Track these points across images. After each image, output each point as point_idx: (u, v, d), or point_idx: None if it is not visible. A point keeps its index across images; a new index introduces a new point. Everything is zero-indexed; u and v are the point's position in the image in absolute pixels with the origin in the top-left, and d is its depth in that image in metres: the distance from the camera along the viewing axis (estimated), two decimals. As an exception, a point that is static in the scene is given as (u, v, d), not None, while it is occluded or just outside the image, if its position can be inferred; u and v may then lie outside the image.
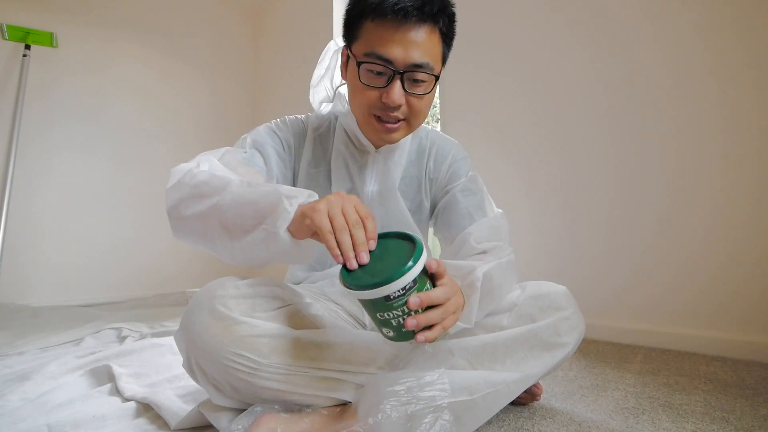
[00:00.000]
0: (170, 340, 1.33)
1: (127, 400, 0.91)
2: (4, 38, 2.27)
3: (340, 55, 0.88)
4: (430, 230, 0.94)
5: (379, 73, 0.70)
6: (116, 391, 0.96)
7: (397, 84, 0.70)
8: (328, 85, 0.91)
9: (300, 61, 2.84)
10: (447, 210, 0.86)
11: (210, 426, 0.74)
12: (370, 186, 0.84)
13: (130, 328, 1.57)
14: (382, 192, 0.84)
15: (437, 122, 2.27)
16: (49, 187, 2.39)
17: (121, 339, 1.48)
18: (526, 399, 0.89)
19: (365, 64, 0.70)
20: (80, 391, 0.98)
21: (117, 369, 1.05)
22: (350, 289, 0.53)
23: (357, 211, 0.56)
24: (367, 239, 0.56)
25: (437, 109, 2.11)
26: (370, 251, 0.56)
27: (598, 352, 1.35)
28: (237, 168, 0.71)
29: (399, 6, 0.66)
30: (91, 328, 1.59)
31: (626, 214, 1.49)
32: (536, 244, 1.69)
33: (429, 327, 0.55)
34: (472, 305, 0.65)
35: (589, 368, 1.17)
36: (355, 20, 0.72)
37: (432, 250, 0.94)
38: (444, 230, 0.86)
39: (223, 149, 0.76)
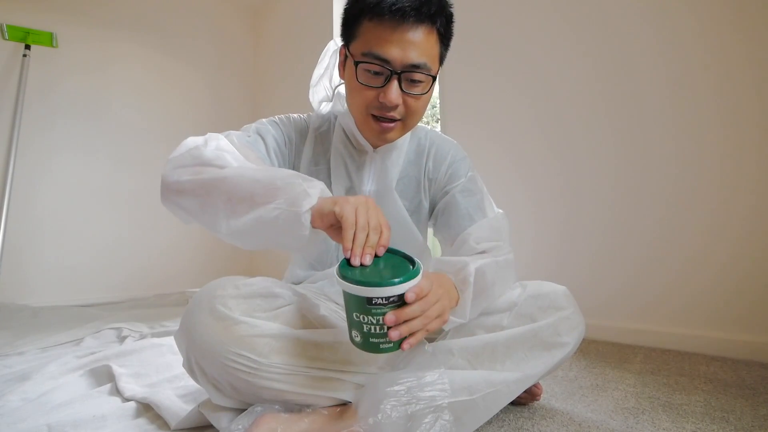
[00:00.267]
0: (170, 340, 1.33)
1: (127, 400, 0.91)
2: (4, 38, 2.27)
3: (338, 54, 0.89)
4: (430, 231, 0.94)
5: (377, 73, 0.71)
6: (116, 391, 0.96)
7: (395, 84, 0.70)
8: (327, 84, 0.91)
9: (300, 61, 2.84)
10: (446, 211, 0.86)
11: (210, 426, 0.74)
12: (368, 185, 0.84)
13: (130, 328, 1.57)
14: (379, 191, 0.84)
15: (437, 122, 2.27)
16: (49, 187, 2.39)
17: (121, 339, 1.48)
18: (526, 399, 0.89)
19: (363, 64, 0.71)
20: (80, 391, 0.98)
21: (117, 369, 1.05)
22: (341, 279, 0.55)
23: (379, 219, 0.59)
24: (379, 244, 0.58)
25: (437, 109, 2.11)
26: (376, 256, 0.58)
27: (598, 352, 1.35)
28: (240, 149, 0.72)
29: (397, 6, 0.66)
30: (91, 328, 1.59)
31: (626, 214, 1.49)
32: (536, 244, 1.69)
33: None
34: (466, 300, 0.66)
35: (589, 368, 1.17)
36: (353, 20, 0.72)
37: (432, 249, 0.94)
38: (444, 231, 0.86)
39: (229, 132, 0.76)
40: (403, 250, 0.62)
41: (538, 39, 1.72)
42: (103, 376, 1.06)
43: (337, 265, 0.57)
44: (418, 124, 0.83)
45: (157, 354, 1.23)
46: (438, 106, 2.05)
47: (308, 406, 0.68)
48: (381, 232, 0.58)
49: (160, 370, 1.10)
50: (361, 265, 0.56)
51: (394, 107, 0.72)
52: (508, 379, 0.71)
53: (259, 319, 0.65)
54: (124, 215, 2.62)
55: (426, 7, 0.68)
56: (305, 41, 2.80)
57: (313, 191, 0.60)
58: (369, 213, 0.58)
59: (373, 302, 0.53)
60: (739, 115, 1.29)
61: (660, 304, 1.41)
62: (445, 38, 0.74)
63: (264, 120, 0.84)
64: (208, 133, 0.72)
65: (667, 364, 1.20)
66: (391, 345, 0.56)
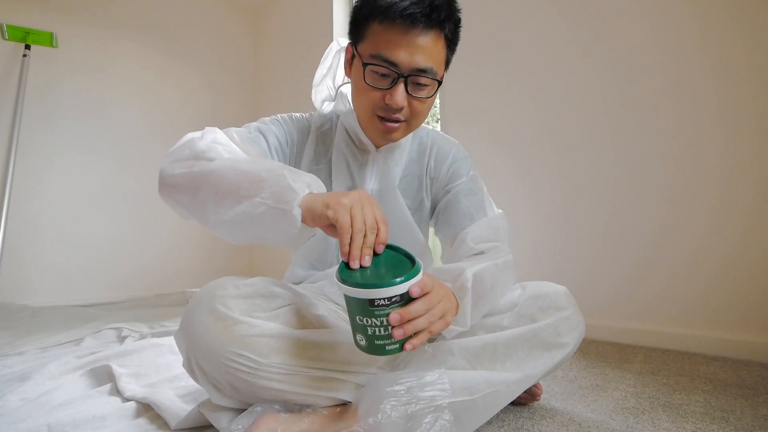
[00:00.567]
0: (170, 340, 1.33)
1: (127, 400, 0.91)
2: (4, 38, 2.27)
3: (342, 53, 0.89)
4: (431, 230, 0.94)
5: (384, 75, 0.71)
6: (116, 391, 0.96)
7: (401, 87, 0.71)
8: (330, 84, 0.91)
9: (300, 61, 2.84)
10: (447, 209, 0.86)
11: (210, 426, 0.74)
12: (370, 184, 0.84)
13: (130, 328, 1.56)
14: (381, 190, 0.84)
15: (437, 122, 2.27)
16: (49, 187, 2.39)
17: (121, 339, 1.48)
18: (526, 399, 0.89)
19: (371, 66, 0.71)
20: (80, 391, 0.98)
21: (117, 369, 1.05)
22: (341, 283, 0.54)
23: (375, 214, 0.58)
24: (378, 242, 0.58)
25: (437, 109, 2.11)
26: (376, 254, 0.58)
27: (598, 352, 1.35)
28: (241, 144, 0.72)
29: (408, 12, 0.67)
30: (91, 328, 1.59)
31: (626, 215, 1.49)
32: (536, 244, 1.69)
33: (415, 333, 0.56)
34: (465, 307, 0.65)
35: (589, 368, 1.17)
36: (363, 20, 0.72)
37: (432, 249, 0.94)
38: (444, 230, 0.86)
39: (229, 128, 0.76)
40: (401, 246, 0.61)
41: (538, 39, 1.72)
42: (103, 376, 1.06)
43: (336, 270, 0.57)
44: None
45: (157, 354, 1.23)
46: (438, 105, 2.05)
47: (308, 406, 0.68)
48: (378, 230, 0.58)
49: (160, 370, 1.10)
50: (361, 266, 0.56)
51: (400, 109, 0.73)
52: (508, 379, 0.71)
53: (259, 319, 0.65)
54: (124, 215, 2.62)
55: (436, 13, 0.69)
56: (305, 41, 2.80)
57: (299, 185, 0.59)
58: (364, 211, 0.57)
59: (376, 304, 0.53)
60: (739, 116, 1.29)
61: (660, 304, 1.41)
62: (452, 43, 0.75)
63: (266, 118, 0.84)
64: (207, 127, 0.72)
65: (667, 364, 1.20)
66: (397, 346, 0.55)
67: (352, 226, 0.55)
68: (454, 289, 0.66)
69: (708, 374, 1.10)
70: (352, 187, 0.85)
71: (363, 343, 0.56)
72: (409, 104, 0.73)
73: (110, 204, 2.58)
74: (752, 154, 1.27)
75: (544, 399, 0.93)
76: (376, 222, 0.58)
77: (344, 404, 0.69)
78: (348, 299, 0.55)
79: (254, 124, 0.81)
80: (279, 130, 0.83)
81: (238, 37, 3.24)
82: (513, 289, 0.79)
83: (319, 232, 0.86)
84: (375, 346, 0.55)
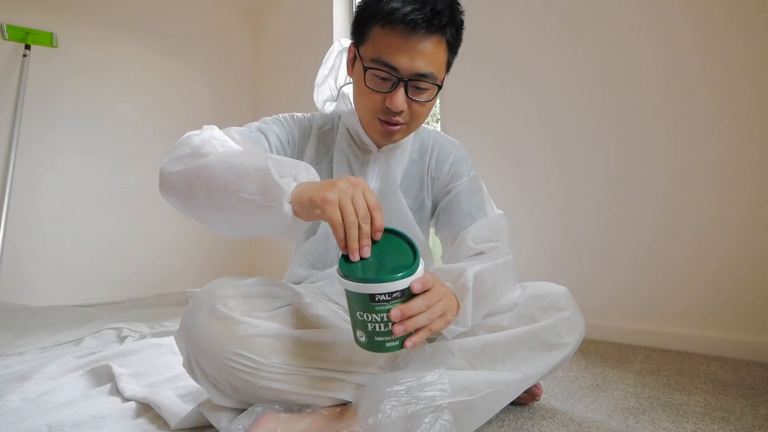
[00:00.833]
0: (170, 340, 1.33)
1: (127, 400, 0.91)
2: (4, 38, 2.27)
3: (345, 54, 0.90)
4: (431, 230, 0.94)
5: (384, 79, 0.72)
6: (116, 391, 0.96)
7: (401, 91, 0.71)
8: (332, 84, 0.92)
9: (300, 61, 2.84)
10: (448, 209, 0.86)
11: (210, 426, 0.74)
12: (372, 184, 0.85)
13: (130, 328, 1.56)
14: (383, 190, 0.85)
15: (437, 122, 2.27)
16: (49, 187, 2.39)
17: (121, 339, 1.48)
18: (526, 399, 0.89)
19: (371, 70, 0.71)
20: (80, 391, 0.98)
21: (117, 369, 1.05)
22: (342, 278, 0.54)
23: (367, 201, 0.57)
24: (374, 230, 0.57)
25: (437, 110, 2.11)
26: (375, 241, 0.57)
27: (598, 352, 1.35)
28: (242, 143, 0.72)
29: (409, 18, 0.67)
30: (91, 328, 1.59)
31: (626, 215, 1.49)
32: (536, 244, 1.69)
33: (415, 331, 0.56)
34: (467, 307, 0.65)
35: (589, 368, 1.17)
36: (365, 23, 0.73)
37: (432, 249, 0.94)
38: (445, 230, 0.87)
39: (229, 128, 0.76)
40: (397, 228, 0.60)
41: (538, 39, 1.72)
42: (103, 376, 1.06)
43: (337, 265, 0.57)
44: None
45: (157, 354, 1.23)
46: (438, 105, 2.05)
47: (308, 406, 0.68)
48: (373, 218, 0.57)
49: (160, 370, 1.10)
50: (361, 258, 0.55)
51: (400, 112, 0.73)
52: (509, 379, 0.71)
53: (259, 319, 0.65)
54: (124, 215, 2.62)
55: (437, 19, 0.69)
56: (305, 41, 2.80)
57: (286, 180, 0.58)
58: (355, 201, 0.55)
59: (376, 299, 0.53)
60: (739, 116, 1.29)
61: (660, 304, 1.41)
62: (453, 47, 0.75)
63: (267, 118, 0.84)
64: (205, 125, 0.72)
65: (667, 364, 1.20)
66: (397, 343, 0.55)
67: (343, 220, 0.54)
68: (455, 289, 0.66)
69: (708, 374, 1.10)
70: None
71: (363, 339, 0.56)
72: (409, 107, 0.74)
73: (110, 204, 2.58)
74: (752, 154, 1.27)
75: (544, 399, 0.93)
76: (369, 210, 0.56)
77: (344, 404, 0.69)
78: (349, 294, 0.55)
79: (255, 123, 0.81)
80: (280, 129, 0.83)
81: (238, 37, 3.24)
82: (513, 289, 0.79)
83: (320, 231, 0.87)
84: (375, 342, 0.55)
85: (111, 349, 1.26)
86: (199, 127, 0.72)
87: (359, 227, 0.55)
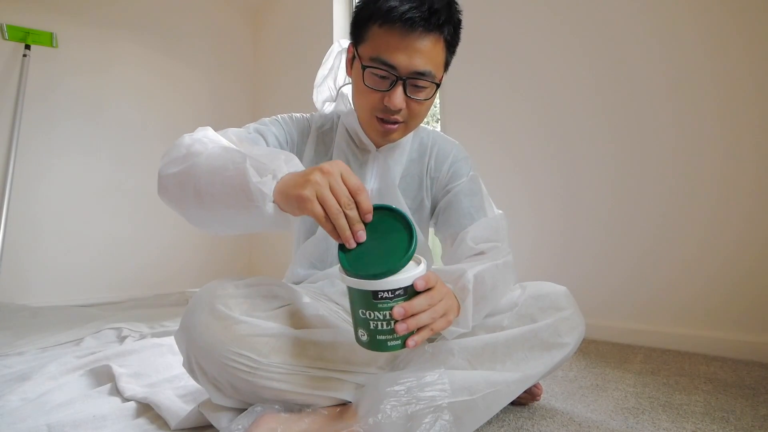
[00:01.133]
0: (170, 340, 1.33)
1: (127, 400, 0.91)
2: (4, 38, 2.27)
3: (344, 54, 0.90)
4: (431, 230, 0.94)
5: (383, 77, 0.72)
6: (116, 391, 0.96)
7: (399, 89, 0.72)
8: (331, 85, 0.92)
9: (300, 61, 2.84)
10: (448, 209, 0.86)
11: (210, 426, 0.74)
12: (371, 183, 0.85)
13: (130, 328, 1.56)
14: (382, 190, 0.85)
15: (437, 122, 2.27)
16: (49, 187, 2.39)
17: (121, 339, 1.48)
18: (526, 399, 0.89)
19: (370, 69, 0.72)
20: (80, 391, 0.98)
21: (117, 369, 1.05)
22: (345, 275, 0.54)
23: (347, 185, 0.55)
24: (362, 213, 0.55)
25: (437, 109, 2.12)
26: (367, 225, 0.56)
27: (598, 352, 1.35)
28: (239, 144, 0.72)
29: (407, 16, 0.67)
30: (91, 328, 1.59)
31: (626, 215, 1.49)
32: (536, 244, 1.69)
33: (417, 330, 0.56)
34: (467, 308, 0.65)
35: (589, 368, 1.17)
36: (363, 22, 0.73)
37: (432, 249, 0.94)
38: (444, 230, 0.87)
39: (226, 129, 0.76)
40: (388, 204, 0.59)
41: (538, 39, 1.72)
42: (103, 376, 1.06)
43: (337, 265, 0.56)
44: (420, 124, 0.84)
45: (157, 354, 1.23)
46: (438, 105, 2.05)
47: (308, 406, 0.68)
48: (357, 202, 0.55)
49: (160, 370, 1.10)
50: (358, 243, 0.54)
51: (398, 111, 0.74)
52: (508, 379, 0.71)
53: (259, 319, 0.66)
54: (124, 215, 2.62)
55: (435, 17, 0.69)
56: (305, 41, 2.80)
57: (266, 179, 0.57)
58: (334, 189, 0.53)
59: (380, 296, 0.53)
60: (739, 116, 1.29)
61: (660, 304, 1.41)
62: (451, 45, 0.75)
63: (265, 119, 0.85)
64: (199, 127, 0.72)
65: (667, 364, 1.20)
66: (399, 342, 0.55)
67: (327, 212, 0.53)
68: (455, 291, 0.66)
69: (708, 374, 1.10)
70: None
71: (365, 338, 0.56)
72: (408, 106, 0.74)
73: (110, 204, 2.58)
74: (752, 154, 1.27)
75: (544, 399, 0.93)
76: (351, 194, 0.54)
77: (344, 404, 0.69)
78: (351, 291, 0.55)
79: (253, 124, 0.82)
80: (278, 130, 0.83)
81: (238, 37, 3.24)
82: (513, 289, 0.79)
83: (319, 231, 0.87)
84: (377, 341, 0.55)
85: (111, 349, 1.26)
86: (198, 127, 0.72)
87: (346, 216, 0.54)
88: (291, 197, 0.55)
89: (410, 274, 0.54)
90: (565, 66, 1.65)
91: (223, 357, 0.62)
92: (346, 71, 0.83)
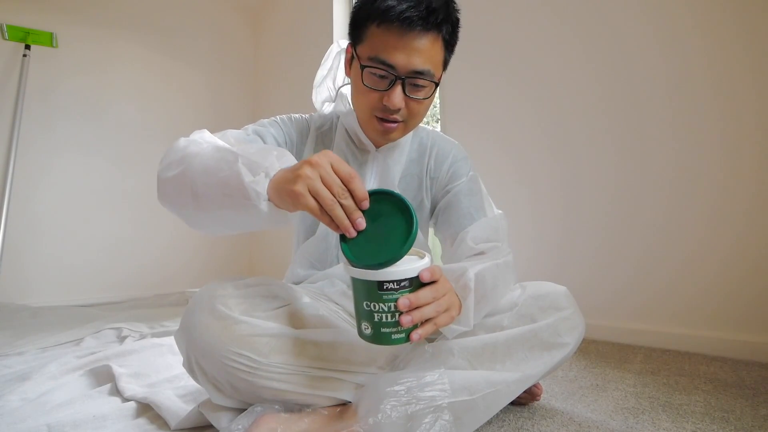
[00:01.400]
0: (170, 340, 1.33)
1: (127, 400, 0.91)
2: (4, 38, 2.27)
3: (343, 55, 0.90)
4: (431, 230, 0.94)
5: (382, 77, 0.72)
6: (116, 391, 0.96)
7: (398, 88, 0.72)
8: (330, 85, 0.92)
9: (300, 61, 2.84)
10: (447, 209, 0.86)
11: (210, 426, 0.74)
12: (370, 183, 0.85)
13: (130, 328, 1.56)
14: None
15: (437, 122, 2.27)
16: (49, 187, 2.39)
17: (121, 339, 1.48)
18: (526, 399, 0.89)
19: (368, 68, 0.72)
20: (80, 391, 0.98)
21: (117, 369, 1.05)
22: (350, 265, 0.53)
23: (338, 173, 0.53)
24: (358, 201, 0.54)
25: (437, 109, 2.12)
26: (365, 211, 0.55)
27: (598, 352, 1.35)
28: (237, 146, 0.72)
29: (405, 15, 0.67)
30: (91, 328, 1.59)
31: (626, 215, 1.49)
32: (536, 244, 1.69)
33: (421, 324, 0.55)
34: (469, 307, 0.65)
35: (589, 368, 1.17)
36: (362, 22, 0.73)
37: (432, 249, 0.94)
38: (444, 230, 0.87)
39: (225, 131, 0.76)
40: (381, 188, 0.58)
41: (538, 39, 1.72)
42: (103, 376, 1.06)
43: (337, 265, 0.56)
44: (419, 124, 0.84)
45: (157, 354, 1.23)
46: (438, 105, 2.05)
47: (308, 406, 0.68)
48: (351, 191, 0.54)
49: (160, 370, 1.10)
50: (358, 232, 0.54)
51: (397, 110, 0.74)
52: (508, 379, 0.71)
53: (259, 319, 0.66)
54: (124, 215, 2.62)
55: (433, 16, 0.69)
56: (305, 41, 2.80)
57: (258, 179, 0.57)
58: (325, 180, 0.52)
59: (385, 287, 0.53)
60: (739, 115, 1.29)
61: (660, 304, 1.41)
62: (450, 44, 0.75)
63: (264, 120, 0.85)
64: (195, 131, 0.72)
65: (667, 364, 1.20)
66: (403, 335, 0.54)
67: (321, 205, 0.52)
68: (456, 289, 0.66)
69: (708, 374, 1.10)
70: None
71: (368, 332, 0.55)
72: (407, 105, 0.74)
73: (110, 204, 2.58)
74: (752, 154, 1.27)
75: (544, 399, 0.93)
76: (344, 183, 0.53)
77: (344, 404, 0.69)
78: (356, 283, 0.55)
79: (252, 126, 0.81)
80: (277, 131, 0.83)
81: (238, 37, 3.24)
82: (513, 289, 0.79)
83: (319, 231, 0.87)
84: (381, 334, 0.54)
85: (111, 349, 1.26)
86: (199, 127, 0.72)
87: (342, 206, 0.53)
88: (284, 194, 0.55)
89: (415, 265, 0.54)
90: (565, 66, 1.65)
91: (223, 357, 0.62)
92: (345, 71, 0.83)
